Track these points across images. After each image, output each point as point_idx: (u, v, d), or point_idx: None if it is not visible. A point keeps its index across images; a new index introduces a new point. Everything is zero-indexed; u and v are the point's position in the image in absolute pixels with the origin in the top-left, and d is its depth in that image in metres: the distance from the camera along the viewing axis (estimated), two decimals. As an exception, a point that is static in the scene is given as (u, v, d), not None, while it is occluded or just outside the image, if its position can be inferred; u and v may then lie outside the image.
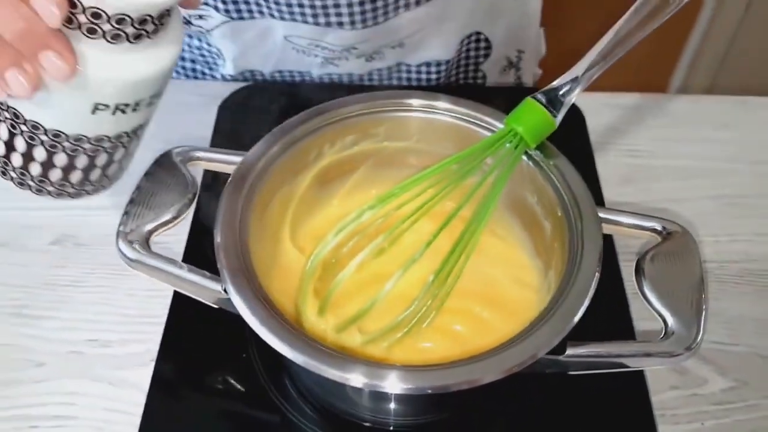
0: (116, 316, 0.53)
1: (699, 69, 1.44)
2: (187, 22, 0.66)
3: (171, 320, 0.51)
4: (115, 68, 0.36)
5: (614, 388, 0.48)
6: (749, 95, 0.71)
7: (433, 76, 0.72)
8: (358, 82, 0.71)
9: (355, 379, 0.35)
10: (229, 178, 0.43)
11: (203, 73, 0.74)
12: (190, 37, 0.70)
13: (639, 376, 0.49)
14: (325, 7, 0.60)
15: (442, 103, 0.47)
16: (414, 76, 0.72)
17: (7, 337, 0.52)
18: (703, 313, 0.39)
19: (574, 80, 0.43)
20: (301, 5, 0.60)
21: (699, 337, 0.38)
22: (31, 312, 0.53)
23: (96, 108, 0.38)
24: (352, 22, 0.62)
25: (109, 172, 0.43)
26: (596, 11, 0.41)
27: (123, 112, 0.39)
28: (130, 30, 0.35)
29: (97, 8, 0.34)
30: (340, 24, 0.62)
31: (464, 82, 0.76)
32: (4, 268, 0.56)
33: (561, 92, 0.43)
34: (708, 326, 0.52)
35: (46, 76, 0.35)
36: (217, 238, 0.40)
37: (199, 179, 0.57)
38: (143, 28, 0.36)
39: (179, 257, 0.55)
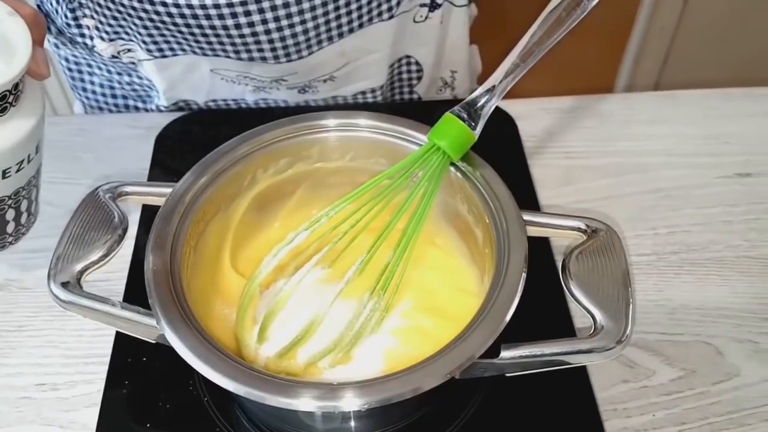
0: (64, 358, 0.53)
1: (643, 68, 1.47)
2: (116, 57, 0.66)
3: (115, 358, 0.51)
4: None
5: (558, 386, 0.48)
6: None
7: (369, 101, 0.73)
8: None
9: (302, 403, 0.35)
10: (158, 211, 0.43)
11: (137, 108, 0.74)
12: (120, 74, 0.71)
13: (582, 372, 0.50)
14: (245, 43, 0.61)
15: (365, 120, 0.48)
16: (351, 103, 0.73)
17: (-45, 387, 0.51)
18: (631, 305, 0.40)
19: (491, 90, 0.44)
20: (221, 43, 0.61)
21: (628, 330, 0.39)
22: (-22, 361, 0.52)
23: None
24: (275, 57, 0.63)
25: (22, 221, 0.49)
26: (527, 19, 0.42)
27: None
28: None
29: None
30: (263, 58, 0.63)
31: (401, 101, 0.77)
32: (-49, 318, 0.55)
33: (478, 105, 0.44)
34: (652, 317, 0.54)
35: None
36: (148, 273, 0.40)
37: (137, 214, 0.59)
38: None
39: (121, 295, 0.55)
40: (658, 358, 0.52)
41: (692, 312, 0.55)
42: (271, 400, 0.35)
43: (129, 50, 0.65)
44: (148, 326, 0.40)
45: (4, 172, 0.44)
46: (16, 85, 0.42)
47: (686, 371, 0.51)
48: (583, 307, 0.40)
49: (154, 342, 0.41)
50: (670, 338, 0.53)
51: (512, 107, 0.69)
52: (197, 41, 0.61)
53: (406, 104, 0.77)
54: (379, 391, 0.36)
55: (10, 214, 0.48)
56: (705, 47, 1.42)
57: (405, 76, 0.74)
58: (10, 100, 0.42)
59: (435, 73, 0.76)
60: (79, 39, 0.65)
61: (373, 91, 0.72)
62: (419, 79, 0.75)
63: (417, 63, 0.73)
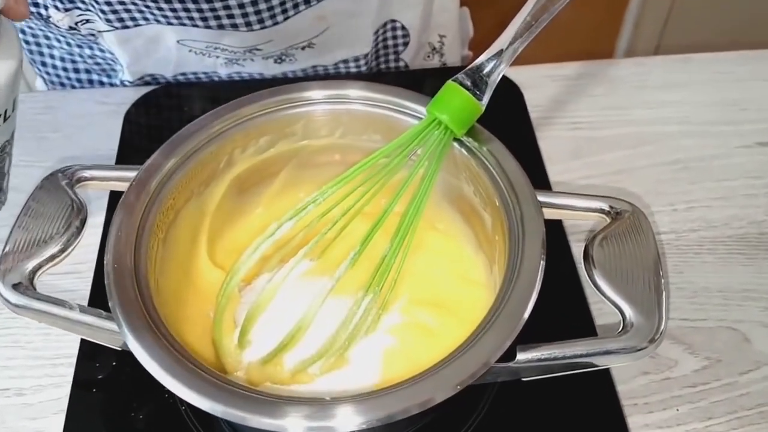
0: (29, 360, 0.48)
1: (643, 30, 1.44)
2: (74, 29, 0.61)
3: (81, 362, 0.47)
4: None
5: (578, 382, 0.44)
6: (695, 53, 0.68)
7: (353, 71, 0.68)
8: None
9: (290, 424, 0.31)
10: (120, 199, 0.38)
11: (101, 83, 0.70)
12: (80, 47, 0.66)
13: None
14: (213, 9, 0.56)
15: (356, 91, 0.43)
16: (332, 73, 0.68)
17: None
18: (664, 297, 0.36)
19: (498, 55, 0.39)
20: (186, 9, 0.56)
21: (662, 326, 0.35)
22: (-66, 366, 0.48)
23: None
24: (248, 24, 0.58)
25: None
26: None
27: None
28: None
29: None
30: (234, 26, 0.58)
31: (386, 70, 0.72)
32: None
33: (485, 71, 0.39)
34: (673, 303, 0.50)
35: None
36: (108, 272, 0.35)
37: (105, 200, 0.53)
38: None
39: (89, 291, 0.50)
40: (680, 346, 0.48)
41: (715, 295, 0.51)
42: (253, 420, 0.31)
43: (87, 21, 0.60)
44: (111, 332, 0.35)
45: None
46: None
47: (711, 360, 0.48)
48: (609, 301, 0.36)
49: (119, 349, 0.36)
50: (692, 324, 0.49)
51: (513, 74, 0.64)
52: (160, 8, 0.56)
53: (392, 73, 0.72)
54: (381, 407, 0.31)
55: None
56: (706, 9, 1.39)
57: (390, 42, 0.69)
58: None
59: (422, 38, 0.71)
60: (33, 9, 0.60)
61: (356, 59, 0.67)
62: (405, 45, 0.70)
63: (403, 27, 0.68)
